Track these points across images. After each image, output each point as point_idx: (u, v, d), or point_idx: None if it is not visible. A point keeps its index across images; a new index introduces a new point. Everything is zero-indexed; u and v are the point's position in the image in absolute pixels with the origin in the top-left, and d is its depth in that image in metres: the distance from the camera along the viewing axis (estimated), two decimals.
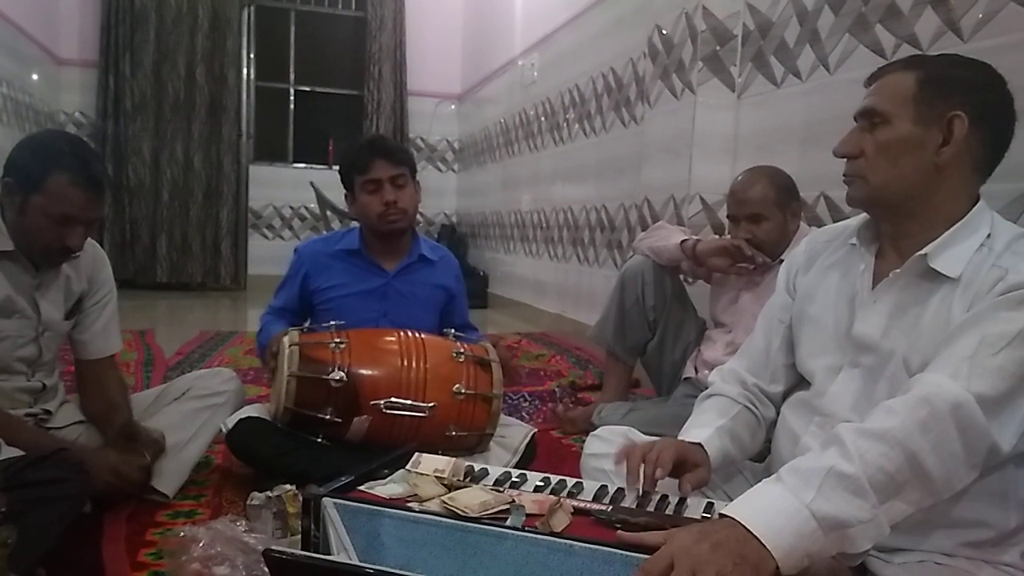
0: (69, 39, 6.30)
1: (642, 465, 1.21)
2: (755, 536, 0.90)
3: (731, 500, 1.29)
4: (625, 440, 1.51)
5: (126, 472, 1.71)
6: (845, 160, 1.25)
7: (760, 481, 1.02)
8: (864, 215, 1.29)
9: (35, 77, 5.69)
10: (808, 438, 1.25)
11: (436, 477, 1.20)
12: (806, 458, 1.01)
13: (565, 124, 4.92)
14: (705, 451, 1.28)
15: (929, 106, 1.14)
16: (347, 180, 2.21)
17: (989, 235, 1.14)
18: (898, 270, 1.18)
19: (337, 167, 2.29)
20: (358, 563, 1.01)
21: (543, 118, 5.30)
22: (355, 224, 2.29)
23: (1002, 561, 1.12)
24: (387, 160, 2.13)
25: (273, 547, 1.02)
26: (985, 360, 1.02)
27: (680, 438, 1.31)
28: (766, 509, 0.94)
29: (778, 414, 1.38)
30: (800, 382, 1.36)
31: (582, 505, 1.13)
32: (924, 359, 1.10)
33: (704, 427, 1.33)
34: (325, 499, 1.10)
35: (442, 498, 1.13)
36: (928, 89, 1.15)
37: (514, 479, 1.25)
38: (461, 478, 1.22)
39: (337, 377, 1.81)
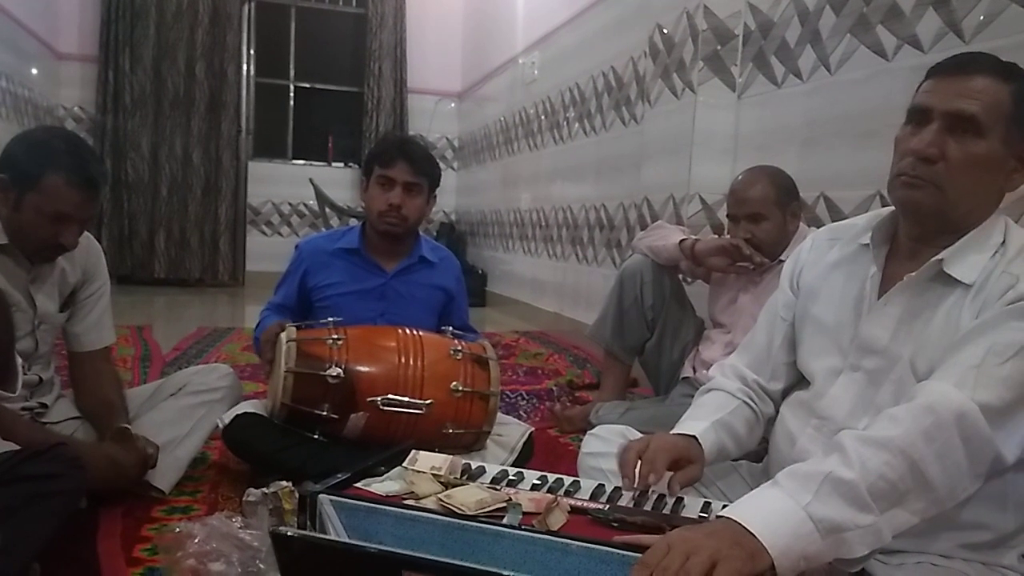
0: (69, 34, 6.29)
1: (638, 465, 1.21)
2: (752, 534, 0.90)
3: (727, 497, 1.29)
4: (623, 439, 1.51)
5: (123, 460, 1.69)
6: (907, 156, 1.13)
7: (757, 483, 1.01)
8: (874, 213, 1.26)
9: (34, 71, 5.67)
10: (805, 440, 1.24)
11: (433, 475, 1.20)
12: (805, 464, 1.00)
13: (565, 123, 4.91)
14: (700, 445, 1.27)
15: (1018, 127, 1.10)
16: (368, 167, 2.21)
17: (1003, 242, 1.13)
18: (912, 274, 1.16)
19: (339, 164, 2.28)
20: (363, 543, 1.02)
21: (543, 116, 5.30)
22: (354, 222, 2.29)
23: (999, 563, 1.11)
24: (409, 165, 2.12)
25: (280, 528, 1.04)
26: (992, 370, 1.01)
27: (676, 429, 1.31)
28: (763, 510, 0.94)
29: (778, 411, 1.37)
30: (801, 380, 1.35)
31: (579, 504, 1.13)
32: (931, 364, 1.09)
33: (700, 420, 1.32)
34: (321, 496, 1.10)
35: (439, 496, 1.12)
36: (1021, 109, 1.10)
37: (511, 477, 1.25)
38: (458, 476, 1.22)
39: (334, 373, 1.81)
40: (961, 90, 1.10)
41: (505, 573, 0.92)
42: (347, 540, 1.05)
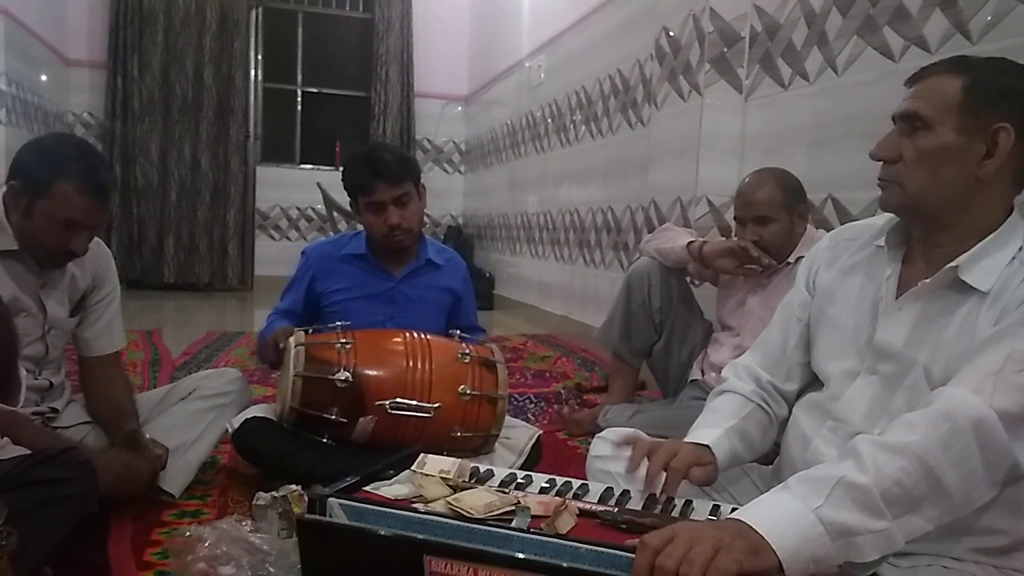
0: (78, 40, 6.33)
1: (645, 460, 1.21)
2: (761, 535, 0.90)
3: (737, 502, 1.29)
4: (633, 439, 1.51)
5: (134, 467, 1.69)
6: (881, 163, 1.19)
7: (768, 486, 1.01)
8: (892, 215, 1.26)
9: (44, 78, 5.71)
10: (819, 442, 1.23)
11: (441, 478, 1.20)
12: (817, 468, 1.00)
13: (572, 126, 4.91)
14: (713, 454, 1.27)
15: (975, 115, 1.10)
16: (351, 193, 2.20)
17: (1021, 248, 1.12)
18: (927, 280, 1.15)
19: (340, 171, 2.27)
20: (394, 531, 1.03)
21: (550, 120, 5.30)
22: (361, 226, 2.29)
23: (1011, 567, 1.11)
24: (389, 182, 2.09)
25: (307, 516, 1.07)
26: (1011, 376, 1.00)
27: (689, 437, 1.30)
28: (772, 513, 0.93)
29: (790, 412, 1.36)
30: (814, 381, 1.34)
31: (588, 507, 1.13)
32: (946, 371, 1.08)
33: (713, 427, 1.31)
34: (331, 499, 1.10)
35: (447, 499, 1.12)
36: (975, 97, 1.10)
37: (519, 480, 1.25)
38: (466, 479, 1.22)
39: (343, 377, 1.81)
40: (911, 93, 1.17)
41: (522, 556, 0.94)
42: (370, 526, 1.06)
